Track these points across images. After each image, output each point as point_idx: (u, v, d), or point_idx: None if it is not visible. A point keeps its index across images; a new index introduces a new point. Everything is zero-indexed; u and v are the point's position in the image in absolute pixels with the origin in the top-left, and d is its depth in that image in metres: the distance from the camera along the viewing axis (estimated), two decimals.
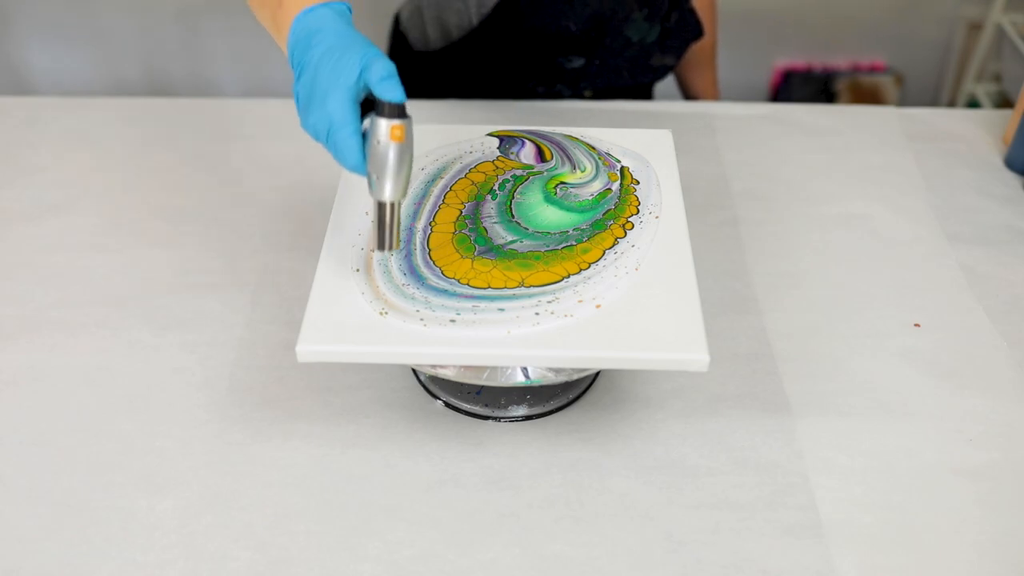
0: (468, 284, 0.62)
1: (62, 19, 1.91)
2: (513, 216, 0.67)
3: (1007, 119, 1.02)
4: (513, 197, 0.69)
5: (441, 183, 0.70)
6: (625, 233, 0.66)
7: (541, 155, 0.74)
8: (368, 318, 0.59)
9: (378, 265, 0.63)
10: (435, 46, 1.03)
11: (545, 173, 0.72)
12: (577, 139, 0.76)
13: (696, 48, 1.14)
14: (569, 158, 0.73)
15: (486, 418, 0.69)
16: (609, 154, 0.74)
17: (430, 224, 0.67)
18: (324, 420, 0.68)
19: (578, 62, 1.00)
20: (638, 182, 0.71)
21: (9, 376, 0.71)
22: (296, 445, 0.66)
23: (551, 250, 0.65)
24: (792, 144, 0.99)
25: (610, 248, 0.65)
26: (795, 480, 0.64)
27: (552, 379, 0.63)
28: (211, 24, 1.94)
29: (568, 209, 0.68)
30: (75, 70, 1.99)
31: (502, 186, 0.70)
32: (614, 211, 0.68)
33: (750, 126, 1.01)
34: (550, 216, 0.68)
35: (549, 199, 0.69)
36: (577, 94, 1.05)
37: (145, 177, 0.92)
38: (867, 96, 2.03)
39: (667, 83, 1.22)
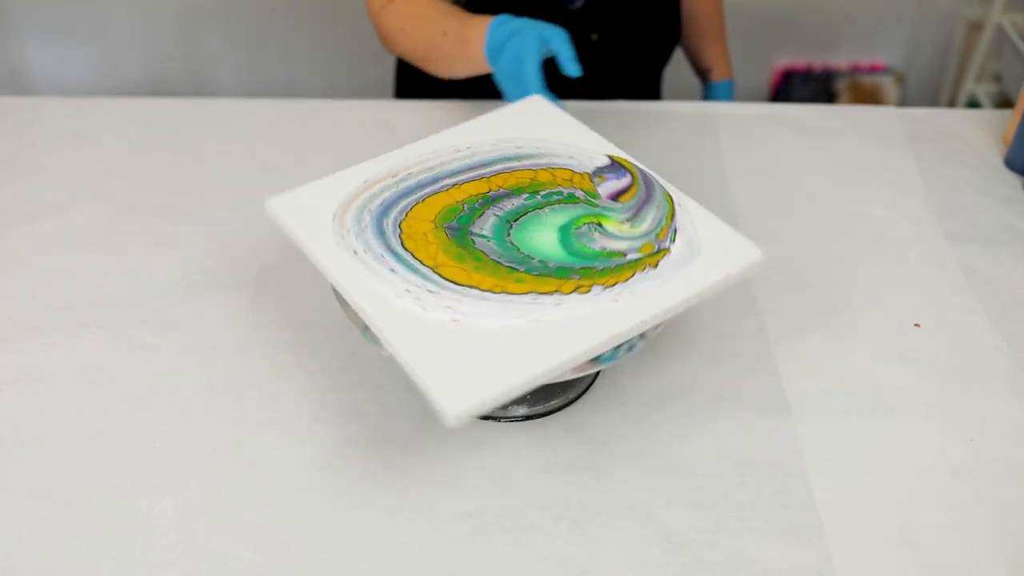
0: (509, 292, 0.60)
1: (62, 19, 1.91)
2: (509, 235, 0.65)
3: (1007, 119, 1.02)
4: (517, 221, 0.66)
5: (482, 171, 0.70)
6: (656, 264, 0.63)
7: (620, 196, 0.68)
8: (494, 347, 0.56)
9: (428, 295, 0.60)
10: None
11: (598, 208, 0.66)
12: (670, 197, 0.68)
13: (702, 20, 1.18)
14: (639, 209, 0.67)
15: (486, 418, 0.69)
16: (677, 230, 0.65)
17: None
18: (324, 420, 0.68)
19: (579, 1, 0.99)
20: (669, 251, 0.64)
21: (9, 376, 0.71)
22: (296, 445, 0.66)
23: (586, 267, 0.62)
24: (792, 144, 0.99)
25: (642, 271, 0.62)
26: (795, 480, 0.64)
27: (624, 355, 0.62)
28: (211, 24, 1.94)
29: (572, 252, 0.63)
30: (75, 70, 1.99)
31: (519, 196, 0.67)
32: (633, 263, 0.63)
33: (750, 126, 1.01)
34: (546, 244, 0.64)
35: (563, 232, 0.65)
36: (584, 41, 1.02)
37: (145, 177, 0.92)
38: (867, 96, 2.03)
39: (667, 84, 1.22)
